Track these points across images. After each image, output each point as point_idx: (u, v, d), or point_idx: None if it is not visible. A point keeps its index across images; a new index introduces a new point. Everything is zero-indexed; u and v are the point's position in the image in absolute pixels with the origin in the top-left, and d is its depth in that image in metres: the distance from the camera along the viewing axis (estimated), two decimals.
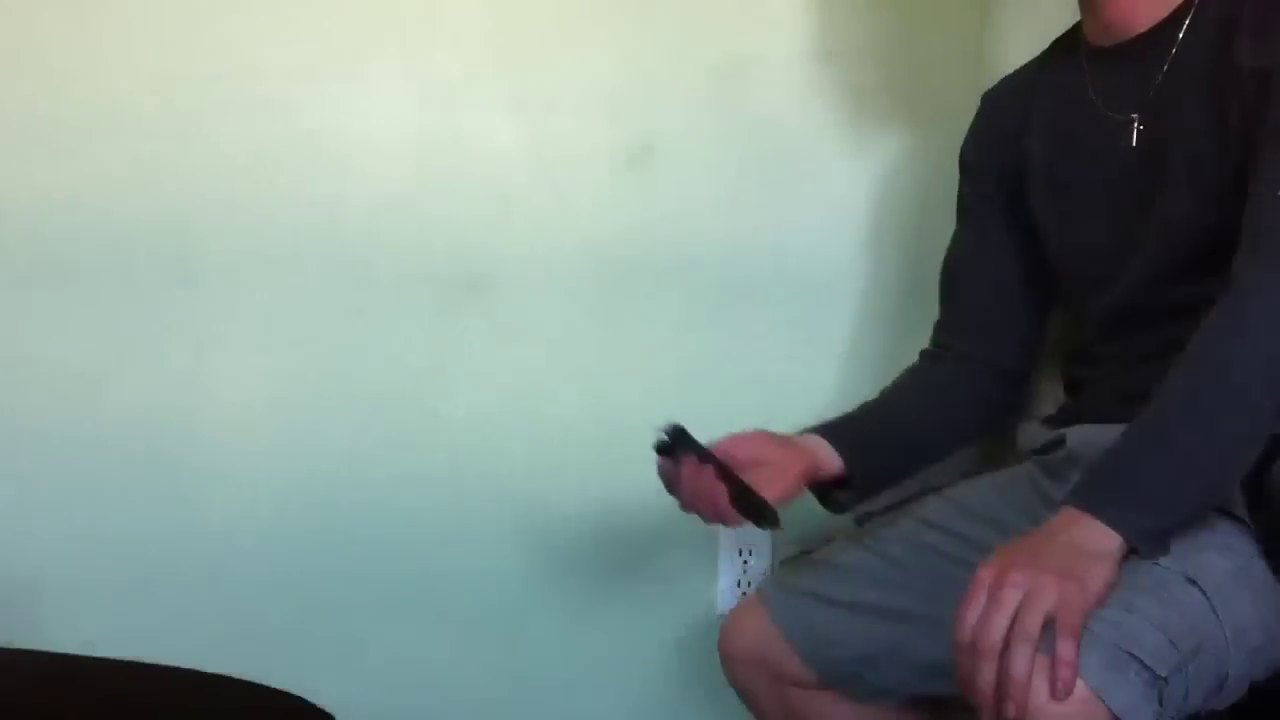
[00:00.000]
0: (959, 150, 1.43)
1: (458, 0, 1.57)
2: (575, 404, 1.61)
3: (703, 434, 1.17)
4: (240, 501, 1.59)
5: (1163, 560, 1.01)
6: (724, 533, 1.62)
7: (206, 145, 1.55)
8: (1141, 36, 1.20)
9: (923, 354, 1.44)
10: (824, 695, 1.32)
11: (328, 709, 1.08)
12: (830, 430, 1.33)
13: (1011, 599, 0.94)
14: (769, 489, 1.21)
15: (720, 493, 1.19)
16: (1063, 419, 1.31)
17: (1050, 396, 1.45)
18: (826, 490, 1.34)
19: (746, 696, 1.37)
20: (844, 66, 1.58)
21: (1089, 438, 1.23)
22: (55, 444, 1.56)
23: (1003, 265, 1.39)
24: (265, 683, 1.09)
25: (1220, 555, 1.05)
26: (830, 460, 1.31)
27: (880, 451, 1.35)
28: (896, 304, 1.54)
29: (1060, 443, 1.27)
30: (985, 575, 0.97)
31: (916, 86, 1.59)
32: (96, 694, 1.04)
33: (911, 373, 1.43)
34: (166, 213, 1.55)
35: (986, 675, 0.93)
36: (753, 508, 1.19)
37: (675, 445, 1.20)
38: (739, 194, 1.59)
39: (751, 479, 1.21)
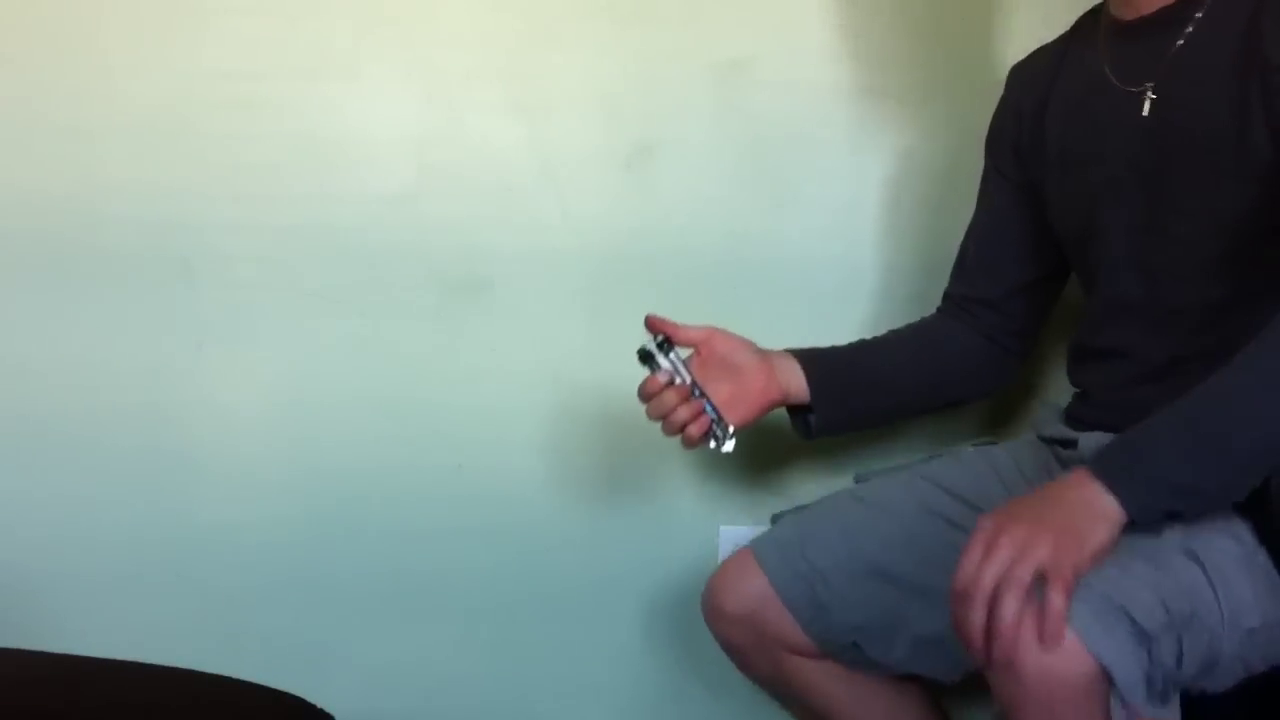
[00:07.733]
0: (964, 150, 1.44)
1: (458, 0, 1.57)
2: (574, 404, 1.60)
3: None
4: (240, 501, 1.59)
5: (1165, 534, 1.03)
6: (724, 532, 1.62)
7: (206, 145, 1.55)
8: (1163, 10, 1.19)
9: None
10: (817, 664, 1.31)
11: (328, 709, 1.08)
12: (809, 359, 1.34)
13: (1007, 549, 0.96)
14: (731, 410, 1.26)
15: (682, 412, 1.23)
16: (1076, 420, 1.31)
17: (1065, 385, 1.43)
18: (798, 412, 1.36)
19: (735, 654, 1.35)
20: (846, 66, 1.58)
21: (1102, 445, 1.22)
22: (55, 443, 1.57)
23: (1014, 242, 1.40)
24: (265, 683, 1.09)
25: (1225, 539, 1.06)
26: (801, 391, 1.33)
27: (852, 392, 1.35)
28: (903, 306, 1.54)
29: (1072, 443, 1.27)
30: (986, 526, 0.99)
31: (922, 85, 1.58)
32: (96, 694, 1.04)
33: (911, 324, 1.45)
34: (166, 213, 1.55)
35: (976, 619, 0.96)
36: (711, 427, 1.24)
37: (655, 356, 1.25)
38: (739, 194, 1.59)
39: (718, 390, 1.25)
